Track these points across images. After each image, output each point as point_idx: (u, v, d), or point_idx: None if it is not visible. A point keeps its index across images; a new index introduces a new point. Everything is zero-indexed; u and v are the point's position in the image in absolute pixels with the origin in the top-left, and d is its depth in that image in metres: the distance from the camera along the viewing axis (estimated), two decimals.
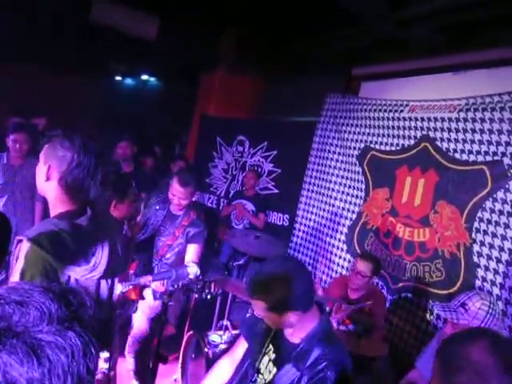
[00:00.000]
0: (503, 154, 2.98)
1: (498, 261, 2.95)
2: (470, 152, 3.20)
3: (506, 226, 2.92)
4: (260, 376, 1.62)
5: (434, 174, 3.43)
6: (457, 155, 3.29)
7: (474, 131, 3.19)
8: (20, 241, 1.35)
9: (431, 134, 3.50)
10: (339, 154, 4.40)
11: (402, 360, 3.13)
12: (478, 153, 3.15)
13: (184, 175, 2.86)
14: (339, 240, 4.28)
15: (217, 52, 6.22)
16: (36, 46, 6.09)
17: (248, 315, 3.13)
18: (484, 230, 3.05)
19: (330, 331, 1.57)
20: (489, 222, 3.02)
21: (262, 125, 5.77)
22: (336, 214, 4.35)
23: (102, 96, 8.99)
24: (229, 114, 6.11)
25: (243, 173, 5.43)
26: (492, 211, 3.01)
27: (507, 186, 2.93)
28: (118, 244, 1.65)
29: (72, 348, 0.60)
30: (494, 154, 3.04)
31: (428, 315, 3.35)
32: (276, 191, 5.17)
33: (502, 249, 2.93)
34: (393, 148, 3.84)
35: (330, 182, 4.45)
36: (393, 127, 3.85)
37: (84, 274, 1.44)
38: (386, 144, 3.91)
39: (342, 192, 4.31)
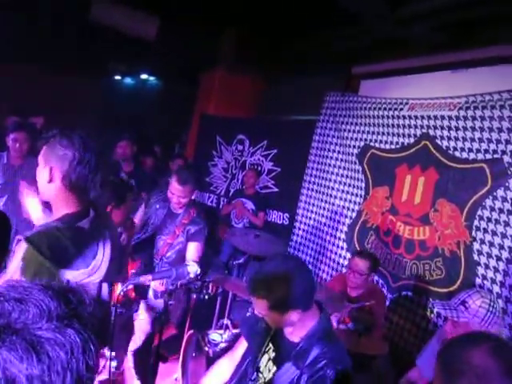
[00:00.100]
0: (503, 152, 2.98)
1: (498, 259, 2.94)
2: (470, 150, 3.20)
3: (506, 223, 2.91)
4: (260, 375, 1.62)
5: (433, 172, 3.43)
6: (457, 153, 3.29)
7: (473, 129, 3.19)
8: (20, 240, 1.35)
9: (431, 132, 3.49)
10: (339, 152, 4.40)
11: (402, 358, 3.14)
12: (478, 151, 3.14)
13: (183, 173, 2.85)
14: (339, 238, 4.28)
15: (217, 52, 6.22)
16: (36, 46, 6.10)
17: (248, 314, 3.13)
18: (484, 228, 3.04)
19: (329, 330, 1.58)
20: (489, 220, 3.02)
21: (262, 123, 5.77)
22: (336, 213, 4.36)
23: (101, 96, 9.00)
24: (229, 114, 6.11)
25: (243, 171, 5.44)
26: (492, 209, 3.00)
27: (507, 184, 2.93)
28: (118, 247, 1.64)
29: (71, 345, 0.60)
30: (494, 152, 3.04)
31: (428, 313, 3.35)
32: (276, 190, 5.18)
33: (502, 247, 2.93)
34: (392, 146, 3.84)
35: (330, 180, 4.45)
36: (392, 125, 3.85)
37: (83, 277, 1.42)
38: (386, 142, 3.91)
39: (342, 190, 4.31)
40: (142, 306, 2.85)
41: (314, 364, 1.43)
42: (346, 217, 4.24)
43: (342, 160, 4.36)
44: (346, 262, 4.12)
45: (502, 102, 3.02)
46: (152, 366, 1.85)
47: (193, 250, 2.82)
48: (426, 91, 3.74)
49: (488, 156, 3.07)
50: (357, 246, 4.04)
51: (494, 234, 2.98)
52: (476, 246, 3.08)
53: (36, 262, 1.31)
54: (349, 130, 4.31)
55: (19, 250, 1.32)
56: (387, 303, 3.46)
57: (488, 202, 3.02)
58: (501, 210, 2.95)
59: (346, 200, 4.26)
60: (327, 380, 1.39)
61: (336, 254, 4.29)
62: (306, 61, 5.40)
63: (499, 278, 2.92)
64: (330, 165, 4.49)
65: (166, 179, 3.01)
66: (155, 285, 2.69)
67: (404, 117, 3.74)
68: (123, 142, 4.45)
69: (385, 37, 4.25)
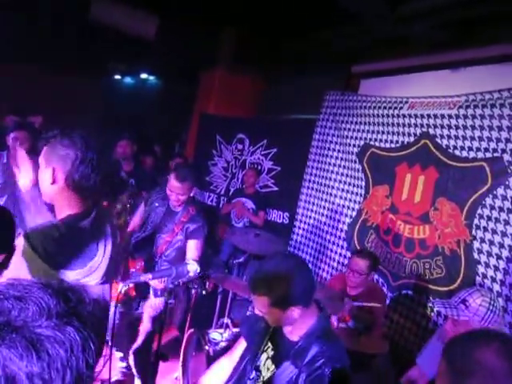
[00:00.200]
0: (503, 151, 2.98)
1: (499, 257, 2.94)
2: (470, 149, 3.20)
3: (506, 222, 2.91)
4: (258, 373, 1.62)
5: (433, 170, 3.43)
6: (457, 152, 3.29)
7: (473, 128, 3.19)
8: (20, 234, 1.35)
9: (431, 131, 3.49)
10: (339, 151, 4.40)
11: (402, 357, 3.14)
12: (478, 149, 3.14)
13: (181, 170, 2.85)
14: (339, 237, 4.28)
15: (217, 51, 6.22)
16: (36, 46, 6.10)
17: (248, 313, 3.14)
18: (484, 227, 3.04)
19: (328, 329, 1.58)
20: (489, 218, 3.02)
21: (262, 123, 5.77)
22: (336, 212, 4.36)
23: (101, 95, 9.01)
24: (229, 114, 6.11)
25: (243, 171, 5.44)
26: (492, 208, 3.00)
27: (507, 183, 2.93)
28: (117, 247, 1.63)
29: (71, 343, 0.60)
30: (494, 150, 3.04)
31: (428, 312, 3.35)
32: (276, 189, 5.18)
33: (502, 245, 2.93)
34: (392, 145, 3.84)
35: (330, 179, 4.45)
36: (392, 124, 3.85)
37: (78, 278, 1.40)
38: (386, 141, 3.90)
39: (342, 189, 4.31)
40: (152, 291, 2.83)
41: (312, 363, 1.43)
42: (346, 216, 4.24)
43: (342, 159, 4.36)
44: (346, 261, 4.12)
45: (501, 101, 3.02)
46: (152, 365, 1.85)
47: (192, 248, 2.81)
48: (426, 90, 3.74)
49: (488, 154, 3.07)
50: (357, 244, 4.04)
51: (494, 232, 2.98)
52: (476, 244, 3.08)
53: (32, 258, 1.31)
54: (349, 129, 4.31)
55: (19, 244, 1.33)
56: (387, 302, 3.46)
57: (488, 201, 3.02)
58: (501, 209, 2.95)
59: (346, 199, 4.26)
60: (325, 378, 1.39)
61: (336, 252, 4.29)
62: (305, 60, 5.40)
63: (499, 276, 2.92)
64: (330, 164, 4.49)
65: (166, 177, 3.01)
66: (154, 283, 2.69)
67: (404, 116, 3.73)
68: (123, 141, 4.45)
69: (385, 36, 4.25)
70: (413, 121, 3.65)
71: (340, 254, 4.24)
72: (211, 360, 2.49)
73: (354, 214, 4.15)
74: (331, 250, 4.35)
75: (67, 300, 0.65)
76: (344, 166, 4.32)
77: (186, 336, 2.88)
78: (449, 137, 3.35)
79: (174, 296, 2.05)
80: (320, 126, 4.66)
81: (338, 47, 4.90)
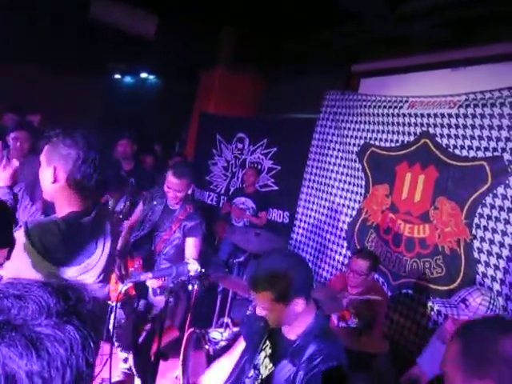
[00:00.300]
0: (503, 150, 2.98)
1: (499, 256, 2.94)
2: (470, 148, 3.20)
3: (507, 221, 2.91)
4: (257, 372, 1.62)
5: (433, 170, 3.43)
6: (457, 151, 3.29)
7: (473, 127, 3.19)
8: (20, 226, 1.35)
9: (431, 130, 3.49)
10: (339, 150, 4.40)
11: (402, 356, 3.14)
12: (478, 149, 3.14)
13: (179, 167, 2.84)
14: (339, 237, 4.28)
15: (216, 51, 6.22)
16: (36, 46, 6.10)
17: (248, 312, 3.14)
18: (484, 226, 3.04)
19: (326, 327, 1.58)
20: (489, 217, 3.02)
21: (262, 122, 5.78)
22: (336, 211, 4.36)
23: (101, 95, 9.01)
24: (229, 113, 6.11)
25: (243, 170, 5.44)
26: (492, 207, 3.00)
27: (507, 182, 2.93)
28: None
29: (71, 341, 0.60)
30: (494, 149, 3.04)
31: (429, 311, 3.35)
32: (276, 188, 5.18)
33: (502, 244, 2.93)
34: (393, 144, 3.84)
35: (330, 178, 4.45)
36: (392, 123, 3.85)
37: (74, 275, 1.40)
38: (386, 140, 3.90)
39: (342, 189, 4.31)
40: (151, 290, 2.82)
41: (309, 361, 1.43)
42: (346, 215, 4.24)
43: (342, 158, 4.36)
44: (346, 261, 4.13)
45: (501, 100, 3.02)
46: (153, 364, 1.85)
47: (191, 246, 2.80)
48: (426, 89, 3.74)
49: (488, 154, 3.07)
50: (357, 244, 4.05)
51: (494, 231, 2.98)
52: (476, 243, 3.08)
53: (33, 253, 1.31)
54: (349, 128, 4.30)
55: (19, 237, 1.33)
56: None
57: (488, 200, 3.02)
58: (501, 208, 2.95)
59: (346, 198, 4.26)
60: (322, 377, 1.39)
61: (336, 252, 4.29)
62: (305, 60, 5.40)
63: (499, 275, 2.93)
64: (330, 163, 4.49)
65: (164, 175, 3.00)
66: (152, 282, 2.68)
67: (404, 115, 3.73)
68: (123, 140, 4.45)
69: (385, 35, 4.25)
70: (413, 120, 3.65)
71: (340, 254, 4.24)
72: (211, 359, 2.49)
73: (354, 213, 4.15)
74: (331, 250, 4.35)
75: (67, 298, 0.65)
76: (344, 166, 4.32)
77: (186, 335, 2.88)
78: (449, 136, 3.35)
79: (174, 295, 2.05)
80: (320, 125, 4.66)
81: (338, 47, 4.89)
